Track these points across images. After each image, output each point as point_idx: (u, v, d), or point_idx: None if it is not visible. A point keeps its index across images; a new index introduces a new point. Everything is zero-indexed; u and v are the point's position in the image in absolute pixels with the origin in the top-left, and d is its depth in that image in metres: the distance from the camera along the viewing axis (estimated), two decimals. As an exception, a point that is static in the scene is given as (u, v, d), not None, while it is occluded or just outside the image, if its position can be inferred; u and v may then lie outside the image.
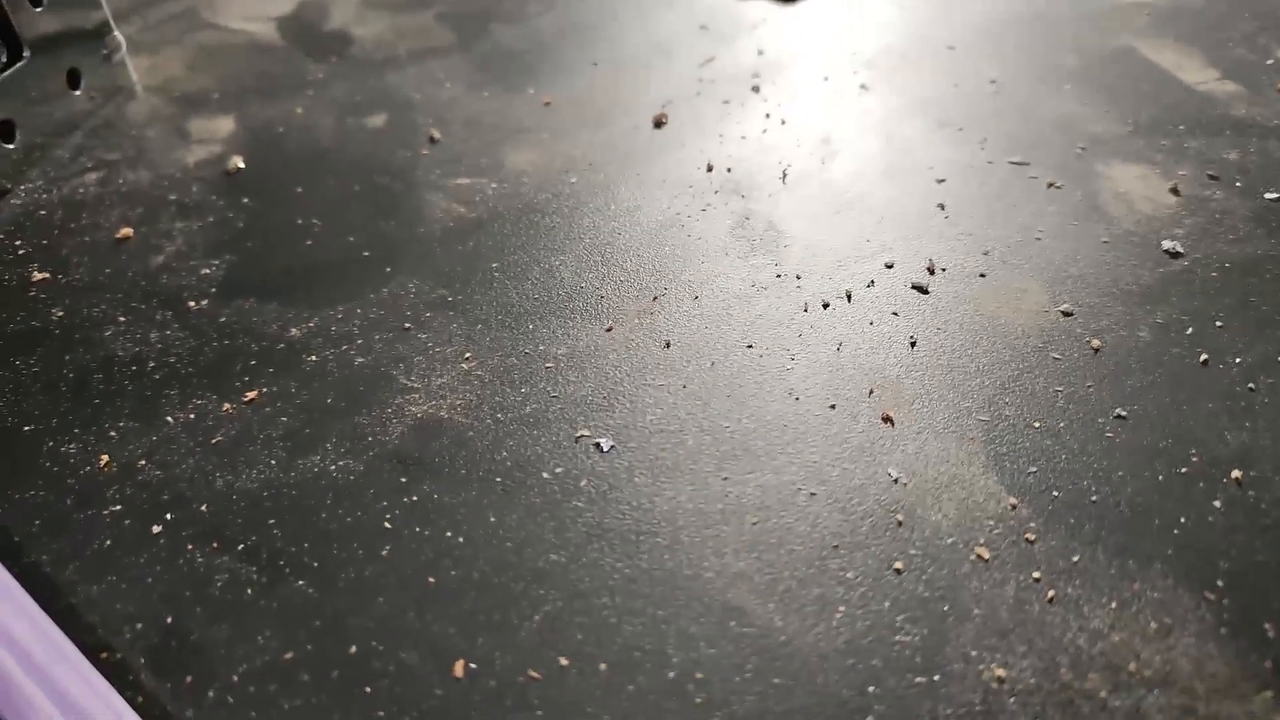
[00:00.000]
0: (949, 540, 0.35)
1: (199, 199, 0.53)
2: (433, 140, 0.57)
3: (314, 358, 0.43)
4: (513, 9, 0.71)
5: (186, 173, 0.55)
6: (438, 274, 0.47)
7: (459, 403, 0.41)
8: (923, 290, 0.45)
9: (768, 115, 0.58)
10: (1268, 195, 0.49)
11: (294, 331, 0.45)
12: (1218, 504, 0.35)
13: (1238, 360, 0.41)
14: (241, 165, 0.56)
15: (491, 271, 0.47)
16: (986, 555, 0.34)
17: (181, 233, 0.51)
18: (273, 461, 0.39)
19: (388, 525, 0.36)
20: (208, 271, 0.48)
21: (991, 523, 0.35)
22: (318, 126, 0.59)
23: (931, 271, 0.46)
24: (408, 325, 0.45)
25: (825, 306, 0.44)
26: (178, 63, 0.66)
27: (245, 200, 0.53)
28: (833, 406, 0.40)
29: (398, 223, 0.51)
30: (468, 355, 0.43)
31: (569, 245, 0.49)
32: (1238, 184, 0.50)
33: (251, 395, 0.42)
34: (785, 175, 0.53)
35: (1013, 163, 0.53)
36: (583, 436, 0.39)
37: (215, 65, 0.66)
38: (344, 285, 0.47)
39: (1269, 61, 0.60)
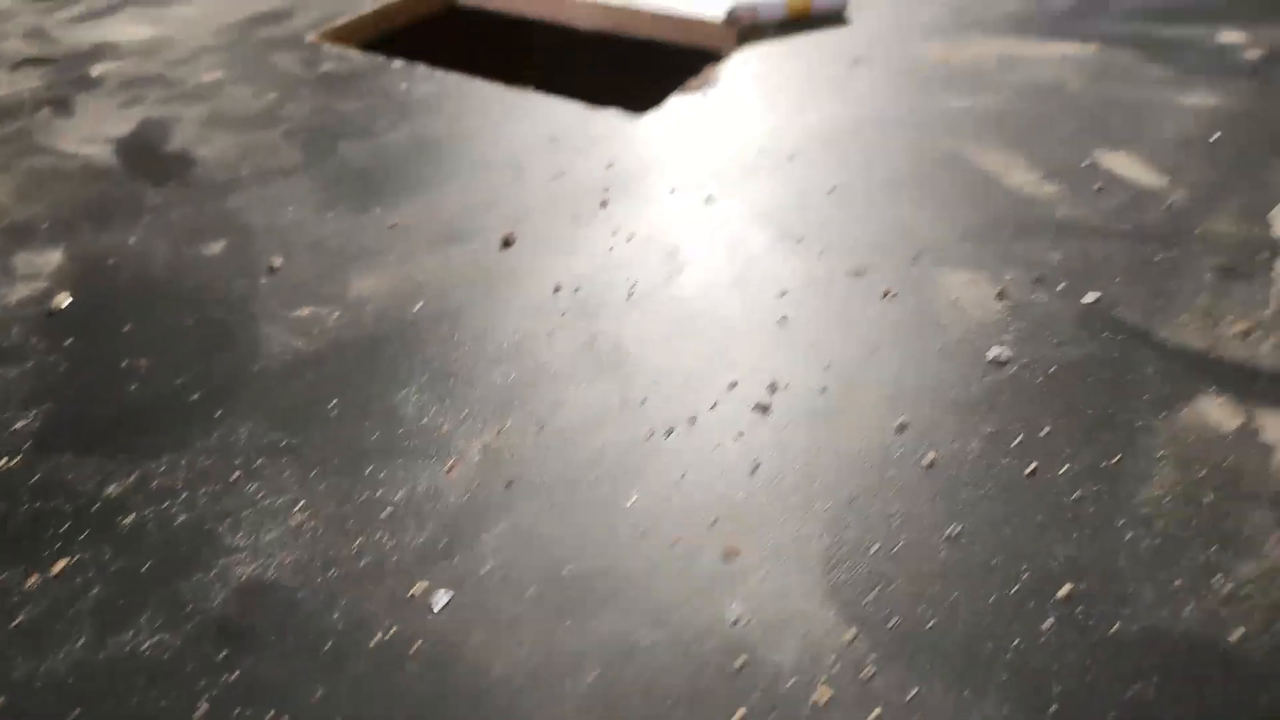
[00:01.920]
0: (790, 682, 0.34)
1: (18, 342, 0.50)
2: (273, 269, 0.56)
3: (132, 518, 0.41)
4: (362, 125, 0.71)
5: (7, 313, 0.52)
6: (272, 415, 0.46)
7: (289, 560, 0.39)
8: (765, 410, 0.45)
9: (615, 231, 0.58)
10: (1087, 299, 0.52)
11: (112, 489, 0.42)
12: (1048, 624, 0.36)
13: (1063, 469, 0.42)
14: (67, 302, 0.53)
15: (330, 410, 0.46)
16: (827, 696, 0.34)
17: (-7, 383, 0.48)
18: (81, 640, 0.36)
19: (206, 706, 0.34)
20: (21, 425, 0.45)
21: (832, 658, 0.35)
22: (152, 256, 0.57)
23: (774, 390, 0.46)
24: (237, 475, 0.43)
25: (669, 434, 0.44)
26: (6, 191, 0.63)
27: (69, 341, 0.51)
28: (674, 544, 0.39)
29: (232, 359, 0.49)
30: (300, 506, 0.41)
31: (412, 377, 0.48)
32: (1060, 287, 0.53)
33: (61, 565, 0.39)
34: (632, 293, 0.53)
35: (850, 273, 0.54)
36: (416, 594, 0.37)
37: (46, 192, 0.63)
38: (170, 432, 0.45)
39: (1085, 163, 0.64)
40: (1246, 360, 0.48)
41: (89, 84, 0.78)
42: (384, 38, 0.93)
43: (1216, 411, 0.45)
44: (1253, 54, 0.78)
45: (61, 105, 0.75)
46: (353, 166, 0.66)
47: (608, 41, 0.93)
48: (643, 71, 0.92)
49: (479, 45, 1.01)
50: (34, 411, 0.46)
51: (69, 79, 0.79)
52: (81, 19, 0.91)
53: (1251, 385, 0.46)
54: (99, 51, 0.84)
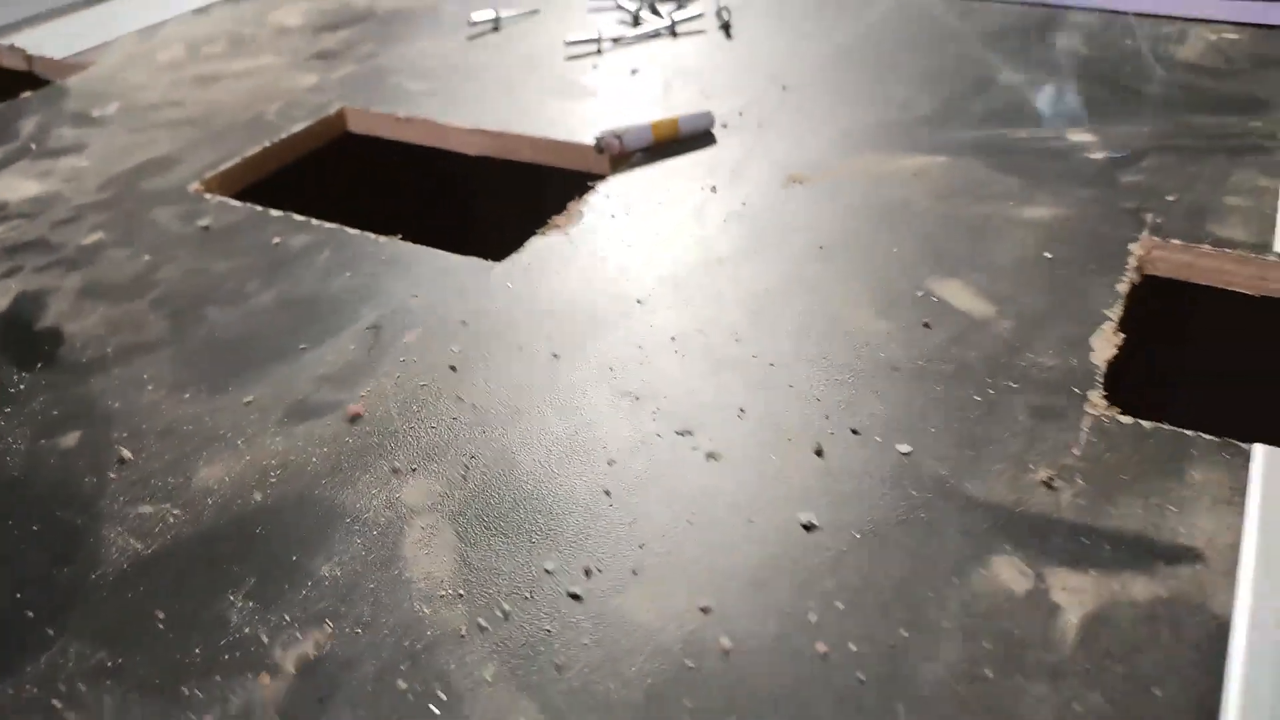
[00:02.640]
0: None
1: None
2: (122, 461, 0.57)
3: (-48, 760, 0.42)
4: (232, 288, 0.73)
5: None
6: (101, 633, 0.47)
7: (96, 801, 0.40)
8: (577, 599, 0.47)
9: (460, 399, 0.60)
10: (901, 449, 0.54)
11: (-64, 728, 0.43)
12: (815, 825, 0.37)
13: (852, 648, 0.44)
14: (-81, 510, 0.55)
15: (157, 623, 0.47)
16: None
17: None
18: None
19: None
20: None
21: None
22: (10, 453, 0.59)
23: (588, 574, 0.48)
24: (57, 703, 0.44)
25: (482, 629, 0.46)
26: None
27: (-86, 557, 0.52)
28: (469, 758, 0.41)
29: (71, 569, 0.51)
30: (115, 737, 0.42)
31: (243, 579, 0.49)
32: (876, 439, 0.55)
33: (-125, 819, 0.40)
34: (468, 471, 0.55)
35: (678, 433, 0.56)
36: (213, 833, 0.39)
37: (-88, 383, 0.65)
38: (6, 653, 0.46)
39: (919, 294, 0.66)
40: (1046, 513, 0.50)
41: (-28, 252, 0.80)
42: (277, 174, 0.95)
43: (1009, 573, 0.47)
44: (1098, 155, 0.81)
45: (-58, 279, 0.76)
46: (218, 336, 0.67)
47: (494, 166, 0.96)
48: (525, 197, 0.94)
49: (371, 172, 1.03)
50: (-127, 638, 0.47)
51: (-46, 247, 0.81)
52: (-26, 176, 0.93)
53: (1047, 541, 0.48)
54: (-13, 213, 0.86)
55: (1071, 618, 0.44)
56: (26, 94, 1.11)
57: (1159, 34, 1.04)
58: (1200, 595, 0.45)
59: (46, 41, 1.24)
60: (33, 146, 0.98)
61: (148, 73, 1.14)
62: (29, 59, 1.23)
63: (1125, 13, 1.07)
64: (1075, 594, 0.45)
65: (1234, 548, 0.47)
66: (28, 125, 1.03)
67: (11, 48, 1.24)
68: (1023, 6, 1.14)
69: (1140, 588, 0.46)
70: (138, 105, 1.05)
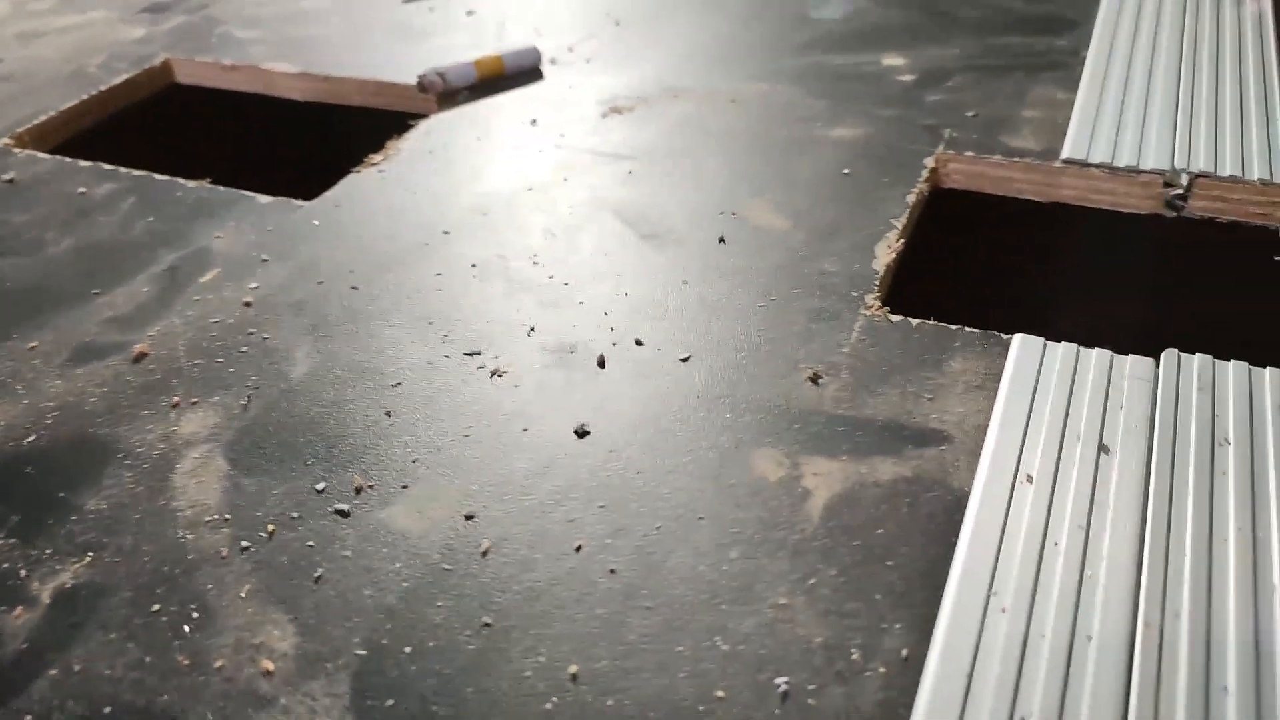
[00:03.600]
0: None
1: None
2: (-108, 413, 0.55)
3: None
4: (30, 239, 0.70)
5: None
6: None
7: None
8: (344, 514, 0.47)
9: (251, 333, 0.59)
10: (680, 356, 0.55)
11: None
12: (548, 706, 0.39)
13: (608, 542, 0.45)
14: None
15: (-88, 566, 0.46)
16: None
17: None
18: None
19: None
20: None
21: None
22: None
23: (358, 491, 0.48)
24: None
25: (244, 550, 0.46)
26: None
27: None
28: (220, 667, 0.41)
29: None
30: None
31: (5, 519, 0.48)
32: (659, 348, 0.56)
33: None
34: (249, 402, 0.54)
35: (466, 354, 0.56)
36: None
37: None
38: None
39: (721, 212, 0.67)
40: (809, 407, 0.51)
41: None
42: (100, 127, 0.92)
43: (766, 464, 0.48)
44: (907, 78, 0.83)
45: None
46: (8, 286, 0.65)
47: (323, 111, 0.94)
48: (353, 140, 0.93)
49: (198, 124, 1.01)
50: None
51: None
52: None
53: (805, 432, 0.50)
54: None
55: (818, 500, 0.46)
56: None
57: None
58: (942, 474, 0.47)
59: None
60: None
61: (-36, 30, 1.09)
62: None
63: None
64: (824, 478, 0.47)
65: (981, 429, 0.49)
66: None
67: None
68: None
69: (887, 469, 0.48)
70: (-50, 63, 1.01)
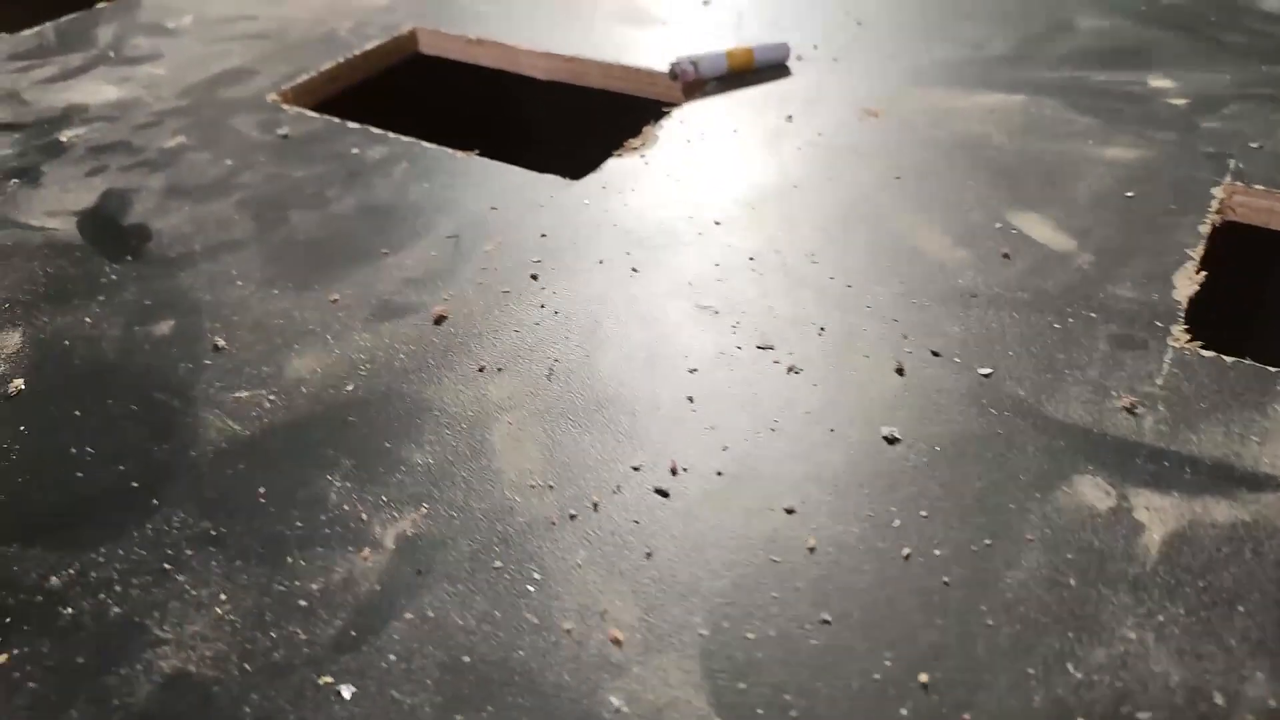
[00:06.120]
0: (657, 771, 0.37)
1: (-28, 430, 0.54)
2: (216, 349, 0.59)
3: (71, 610, 0.44)
4: (313, 193, 0.74)
5: (-37, 400, 0.56)
6: (204, 504, 0.49)
7: (209, 654, 0.42)
8: (664, 494, 0.48)
9: (543, 305, 0.61)
10: (981, 372, 0.54)
11: (54, 580, 0.45)
12: (904, 712, 0.39)
13: (936, 553, 0.45)
14: (22, 387, 0.57)
15: (258, 498, 0.49)
16: (689, 785, 0.37)
17: (-53, 475, 0.51)
18: (15, 735, 0.39)
19: (125, 799, 0.37)
20: (-29, 517, 0.49)
21: (700, 746, 0.38)
22: (105, 338, 0.60)
23: (674, 473, 0.49)
24: (168, 566, 0.46)
25: (572, 518, 0.47)
26: (-32, 269, 0.67)
27: (21, 428, 0.54)
28: (566, 633, 0.42)
29: (171, 447, 0.52)
30: (223, 598, 0.44)
31: (339, 462, 0.51)
32: (956, 360, 0.55)
33: (2, 659, 0.42)
34: (552, 371, 0.56)
35: (758, 347, 0.57)
36: (324, 687, 0.40)
37: (10, 270, 0.67)
38: (110, 522, 0.48)
39: (997, 225, 0.66)
40: (1128, 437, 0.50)
41: (57, 151, 0.81)
42: (349, 90, 0.96)
43: (1091, 491, 0.48)
44: (1179, 102, 0.80)
45: (30, 175, 0.78)
46: (301, 238, 0.69)
47: (563, 90, 0.96)
48: (595, 121, 0.95)
49: (442, 93, 1.04)
50: (-14, 500, 0.49)
51: (38, 145, 0.82)
52: (55, 80, 0.94)
53: (1129, 463, 0.49)
54: (69, 115, 0.87)
55: (1154, 534, 0.45)
56: (102, 4, 1.12)
57: (1243, -16, 1.02)
58: (1282, 520, 0.46)
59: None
60: (111, 54, 0.99)
61: (219, -13, 1.14)
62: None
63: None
64: (1157, 513, 0.46)
65: (1315, 478, 0.48)
66: (105, 34, 1.04)
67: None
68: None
69: (1223, 511, 0.46)
70: (210, 18, 1.06)
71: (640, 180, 0.74)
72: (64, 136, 0.83)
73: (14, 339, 0.61)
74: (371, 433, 0.53)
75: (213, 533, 0.47)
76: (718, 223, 0.68)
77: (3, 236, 0.70)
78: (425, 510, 0.48)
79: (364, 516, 0.48)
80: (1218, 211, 0.67)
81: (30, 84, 0.93)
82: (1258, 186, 0.69)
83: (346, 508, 0.48)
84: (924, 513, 0.47)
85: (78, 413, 0.55)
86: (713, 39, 0.95)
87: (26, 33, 1.05)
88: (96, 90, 0.92)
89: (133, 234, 0.70)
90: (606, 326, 0.59)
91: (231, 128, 0.83)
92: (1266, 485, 0.47)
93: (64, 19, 1.08)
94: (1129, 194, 0.69)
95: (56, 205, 0.74)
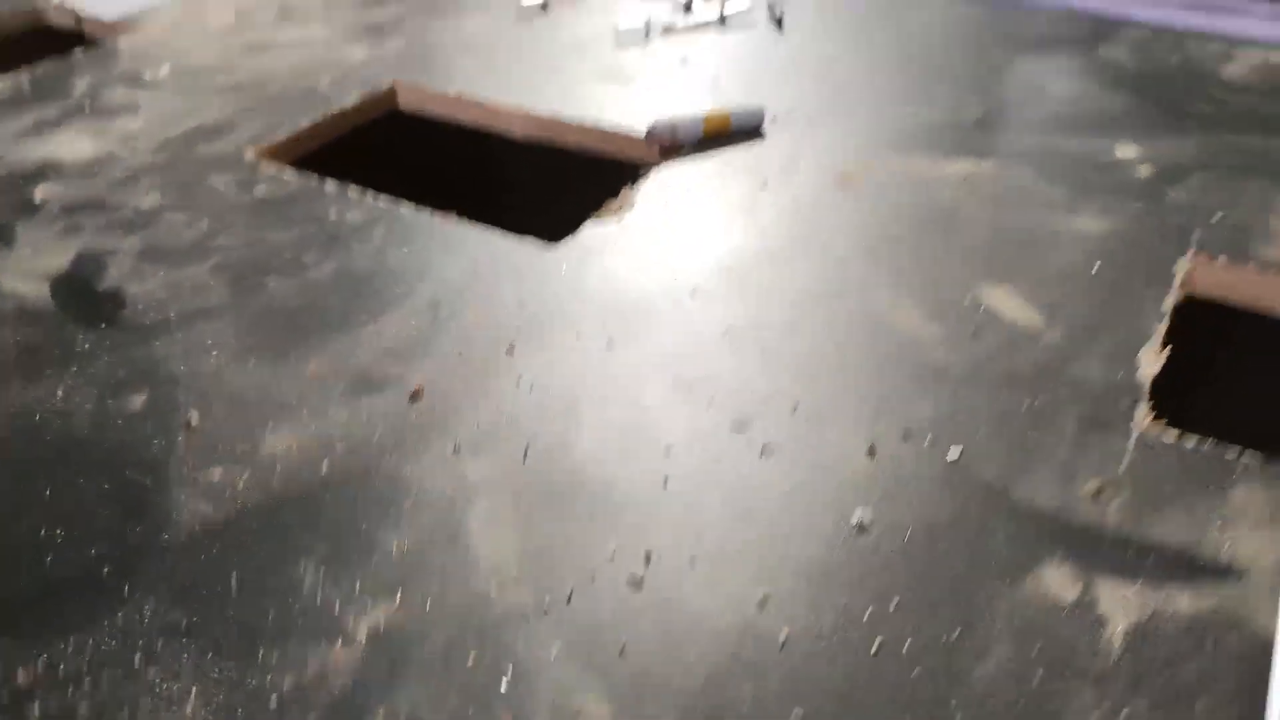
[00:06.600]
0: None
1: (-59, 511, 0.53)
2: (189, 425, 0.59)
3: (38, 709, 0.44)
4: (291, 258, 0.74)
5: (-68, 477, 0.55)
6: (175, 592, 0.49)
7: (179, 754, 0.42)
8: (638, 585, 0.48)
9: (518, 381, 0.61)
10: (950, 455, 0.55)
11: (20, 677, 0.45)
12: (872, 813, 0.39)
13: (907, 645, 0.45)
14: (-9, 464, 0.56)
15: (230, 585, 0.49)
16: None
17: (-86, 560, 0.50)
18: (-20, 842, 0.39)
19: None
20: (-62, 605, 0.48)
21: None
22: (77, 413, 0.60)
23: (647, 561, 0.50)
24: (138, 658, 0.46)
25: (546, 612, 0.47)
26: (-61, 336, 0.66)
27: (-10, 509, 0.54)
28: (538, 731, 0.42)
29: (144, 529, 0.52)
30: (195, 693, 0.44)
31: (313, 547, 0.51)
32: (926, 441, 0.56)
33: (-34, 760, 0.42)
34: (527, 453, 0.56)
35: (733, 427, 0.57)
36: (294, 790, 0.40)
37: (-21, 337, 0.66)
38: (80, 611, 0.48)
39: (967, 300, 0.67)
40: (1093, 523, 0.51)
41: (31, 210, 0.81)
42: (327, 147, 0.96)
43: (1058, 580, 0.48)
44: (1145, 171, 0.82)
45: (3, 235, 0.78)
46: (278, 305, 0.69)
47: (540, 150, 0.97)
48: (573, 180, 0.95)
49: (421, 149, 1.04)
50: (-47, 586, 0.49)
51: (11, 203, 0.82)
52: (29, 133, 0.94)
53: (1095, 551, 0.50)
54: (43, 171, 0.87)
55: (1118, 626, 0.46)
56: (78, 51, 1.11)
57: (1205, 52, 1.04)
58: (1243, 612, 0.47)
59: (91, 2, 1.25)
60: (86, 106, 0.99)
61: (198, 38, 1.14)
62: (78, 19, 1.23)
63: (1175, 28, 1.07)
64: (1121, 603, 0.47)
65: (1275, 568, 0.49)
66: (80, 84, 1.04)
67: (60, 6, 1.25)
68: (1072, 16, 1.14)
69: (1184, 601, 0.47)
70: (189, 69, 1.06)
71: (618, 246, 0.74)
72: (37, 195, 0.83)
73: (-15, 412, 0.60)
74: (347, 515, 0.53)
75: (184, 623, 0.47)
76: (694, 292, 0.69)
77: (-26, 301, 0.70)
78: (399, 598, 0.48)
79: (336, 607, 0.48)
80: (1181, 285, 0.68)
81: (5, 137, 0.93)
82: (1220, 259, 0.71)
83: (319, 598, 0.48)
84: (895, 602, 0.47)
85: (48, 492, 0.54)
86: (690, 99, 0.96)
87: (0, 82, 1.04)
88: (71, 144, 0.91)
89: (106, 299, 0.70)
90: (583, 404, 0.59)
91: (208, 186, 0.83)
92: (1227, 575, 0.48)
93: (39, 66, 1.08)
94: (1096, 267, 0.70)
95: (29, 268, 0.74)
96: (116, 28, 1.20)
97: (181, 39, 1.14)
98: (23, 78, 1.05)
